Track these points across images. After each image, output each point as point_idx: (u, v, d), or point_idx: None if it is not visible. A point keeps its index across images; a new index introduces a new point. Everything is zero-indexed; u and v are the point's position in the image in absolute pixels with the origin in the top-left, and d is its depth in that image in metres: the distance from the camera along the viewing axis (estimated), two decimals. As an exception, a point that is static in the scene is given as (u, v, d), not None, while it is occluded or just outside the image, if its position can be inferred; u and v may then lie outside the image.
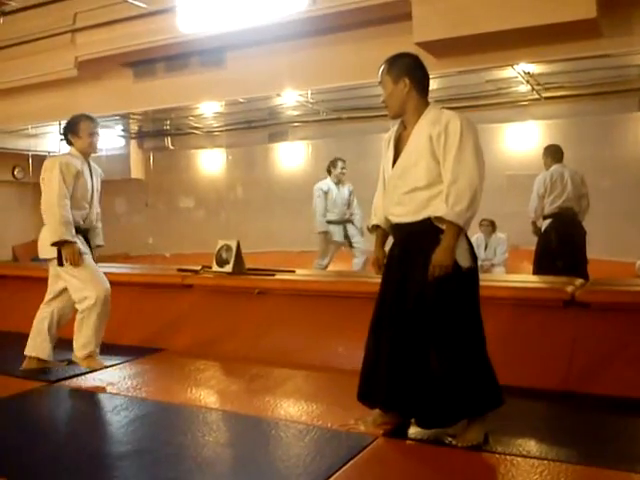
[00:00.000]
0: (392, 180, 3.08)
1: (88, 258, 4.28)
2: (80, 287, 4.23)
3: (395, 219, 3.08)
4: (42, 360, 4.44)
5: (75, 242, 4.19)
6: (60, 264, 4.22)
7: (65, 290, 4.35)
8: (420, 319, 2.92)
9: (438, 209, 2.88)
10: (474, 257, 3.00)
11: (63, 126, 4.45)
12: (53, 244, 4.17)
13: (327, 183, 7.39)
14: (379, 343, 3.05)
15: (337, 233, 7.34)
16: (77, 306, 4.27)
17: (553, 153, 6.45)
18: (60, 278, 4.32)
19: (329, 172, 7.43)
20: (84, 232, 4.37)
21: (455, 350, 2.88)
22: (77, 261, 4.17)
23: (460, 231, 2.89)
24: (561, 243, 6.25)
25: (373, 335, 3.10)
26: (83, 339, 4.23)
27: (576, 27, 4.39)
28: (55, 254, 4.21)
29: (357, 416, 3.21)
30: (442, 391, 2.87)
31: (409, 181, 2.98)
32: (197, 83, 6.45)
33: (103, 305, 4.21)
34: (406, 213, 3.00)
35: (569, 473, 2.63)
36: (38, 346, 4.43)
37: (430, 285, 2.88)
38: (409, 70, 3.02)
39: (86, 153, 4.39)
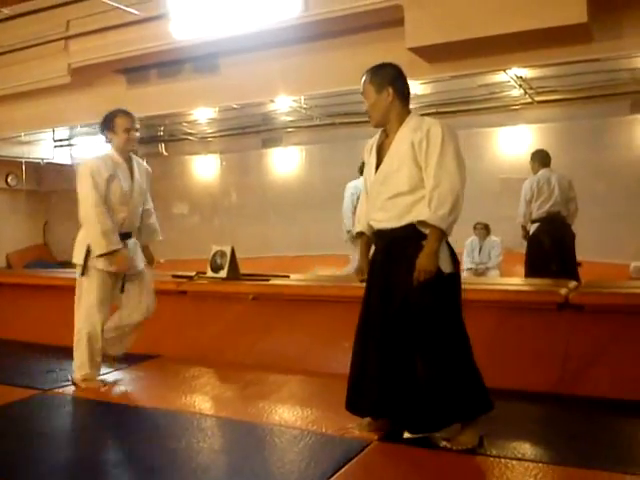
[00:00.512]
0: (374, 186, 3.09)
1: (107, 279, 4.14)
2: (80, 306, 4.17)
3: (377, 225, 3.09)
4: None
5: (121, 248, 4.06)
6: (82, 274, 4.12)
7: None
8: (404, 325, 2.93)
9: (421, 213, 2.90)
10: (456, 262, 3.01)
11: (100, 123, 4.20)
12: (99, 256, 4.02)
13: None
14: (366, 350, 3.06)
15: None
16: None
17: (540, 158, 6.49)
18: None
19: (361, 172, 7.39)
20: (123, 237, 4.16)
21: (440, 356, 2.89)
22: (127, 266, 4.10)
23: (443, 235, 2.90)
24: (550, 246, 6.28)
25: (360, 343, 3.11)
26: (78, 361, 4.17)
27: (568, 32, 4.42)
28: (82, 261, 4.09)
29: (352, 421, 3.20)
30: (429, 397, 2.87)
31: (391, 187, 2.99)
32: (190, 89, 6.44)
33: (93, 337, 4.12)
34: (389, 219, 3.01)
35: (563, 476, 2.64)
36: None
37: (413, 291, 2.88)
38: (392, 80, 3.04)
39: (124, 150, 4.15)
